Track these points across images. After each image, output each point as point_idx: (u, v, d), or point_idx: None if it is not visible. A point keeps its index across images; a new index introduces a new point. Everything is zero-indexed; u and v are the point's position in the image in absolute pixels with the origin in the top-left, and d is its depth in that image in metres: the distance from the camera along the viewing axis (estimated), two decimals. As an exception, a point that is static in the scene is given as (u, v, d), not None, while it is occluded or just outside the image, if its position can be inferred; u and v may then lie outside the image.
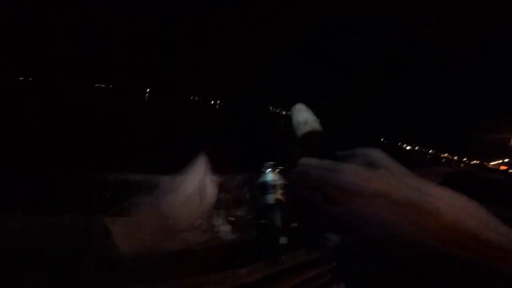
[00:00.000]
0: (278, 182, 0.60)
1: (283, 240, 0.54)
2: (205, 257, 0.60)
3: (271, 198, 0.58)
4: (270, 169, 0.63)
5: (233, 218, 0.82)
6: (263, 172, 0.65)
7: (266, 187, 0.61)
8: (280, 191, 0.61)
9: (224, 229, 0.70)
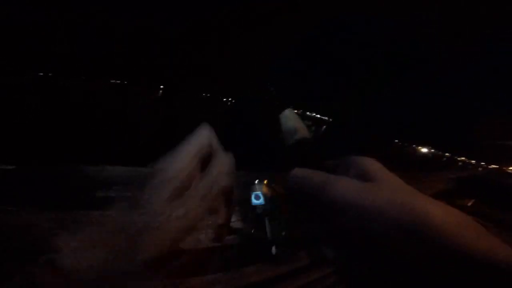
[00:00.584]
0: (267, 194, 0.60)
1: (273, 250, 0.56)
2: (210, 257, 0.62)
3: (260, 208, 0.59)
4: (258, 181, 0.64)
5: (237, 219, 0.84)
6: (252, 185, 0.65)
7: (256, 199, 0.62)
8: (271, 202, 0.61)
9: (232, 227, 0.72)
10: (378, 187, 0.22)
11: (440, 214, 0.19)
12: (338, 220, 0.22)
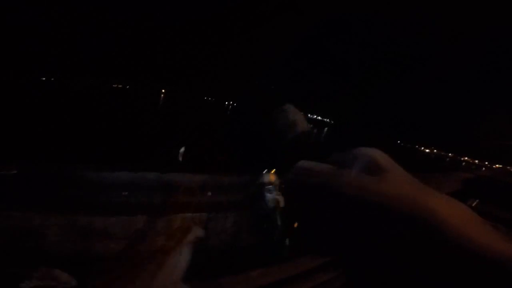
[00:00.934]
0: (276, 184, 0.59)
1: (286, 241, 0.55)
2: (216, 260, 0.61)
3: (270, 200, 0.58)
4: (266, 171, 0.62)
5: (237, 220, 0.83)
6: (259, 175, 0.64)
7: (263, 189, 0.60)
8: (278, 193, 0.60)
9: (234, 231, 0.72)
10: (385, 181, 0.23)
11: (446, 208, 0.19)
12: (344, 213, 0.22)
